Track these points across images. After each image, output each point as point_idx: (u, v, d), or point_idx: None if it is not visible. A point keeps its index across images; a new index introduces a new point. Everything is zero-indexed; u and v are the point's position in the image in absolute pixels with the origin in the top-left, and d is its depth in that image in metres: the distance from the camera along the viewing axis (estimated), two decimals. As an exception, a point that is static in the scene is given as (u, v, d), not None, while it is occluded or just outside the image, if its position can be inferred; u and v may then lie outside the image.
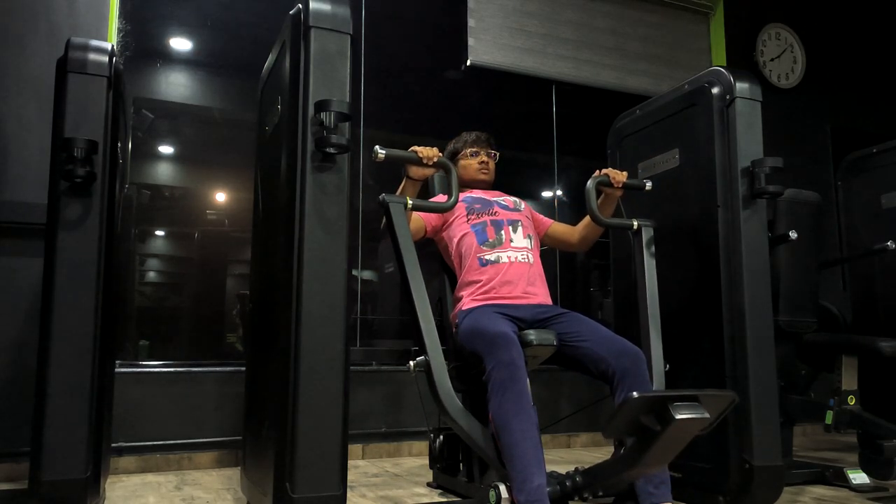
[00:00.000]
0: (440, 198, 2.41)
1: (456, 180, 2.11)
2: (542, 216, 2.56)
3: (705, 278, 2.27)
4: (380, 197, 2.02)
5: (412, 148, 2.09)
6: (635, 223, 2.29)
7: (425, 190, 2.54)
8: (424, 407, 2.07)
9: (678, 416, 1.46)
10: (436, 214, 2.36)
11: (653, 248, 2.28)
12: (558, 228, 2.55)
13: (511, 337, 1.92)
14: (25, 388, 2.09)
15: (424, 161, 2.08)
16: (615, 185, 2.28)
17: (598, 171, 2.29)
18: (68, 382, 1.85)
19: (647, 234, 2.29)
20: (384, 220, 2.05)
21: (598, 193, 2.30)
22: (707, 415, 1.50)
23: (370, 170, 3.67)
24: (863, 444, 2.70)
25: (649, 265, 2.25)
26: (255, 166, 2.47)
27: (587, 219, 2.42)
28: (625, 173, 2.31)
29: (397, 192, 2.15)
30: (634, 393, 1.47)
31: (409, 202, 2.05)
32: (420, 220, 2.35)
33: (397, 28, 3.96)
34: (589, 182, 2.24)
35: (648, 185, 2.35)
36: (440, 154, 2.11)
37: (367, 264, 3.70)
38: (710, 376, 2.23)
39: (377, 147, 1.98)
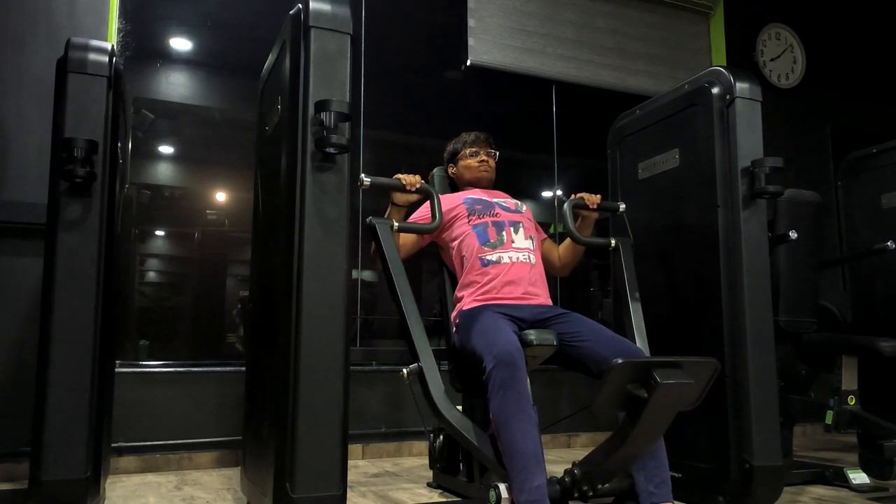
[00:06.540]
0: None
1: (439, 204, 2.22)
2: (539, 227, 2.55)
3: (705, 278, 2.27)
4: (367, 220, 2.12)
5: (396, 176, 2.20)
6: (613, 241, 2.37)
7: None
8: (420, 410, 2.08)
9: (663, 381, 1.54)
10: (427, 219, 2.31)
11: (632, 263, 2.34)
12: (547, 246, 2.55)
13: (511, 337, 1.92)
14: (26, 387, 2.08)
15: (408, 188, 2.19)
16: (590, 207, 2.37)
17: (573, 195, 2.38)
18: (68, 382, 1.85)
19: (625, 250, 2.35)
20: (372, 243, 2.12)
21: (576, 215, 2.39)
22: (691, 381, 1.58)
23: (370, 170, 3.67)
24: (863, 444, 2.70)
25: (630, 280, 2.30)
26: (255, 166, 2.47)
27: (567, 241, 2.48)
28: (598, 196, 2.40)
29: (384, 216, 2.23)
30: (618, 359, 1.55)
31: (395, 224, 2.14)
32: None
33: (397, 28, 3.95)
34: (565, 204, 2.35)
35: (622, 206, 2.44)
36: (422, 181, 2.23)
37: (367, 264, 3.70)
38: (710, 376, 2.23)
39: (362, 175, 2.10)
